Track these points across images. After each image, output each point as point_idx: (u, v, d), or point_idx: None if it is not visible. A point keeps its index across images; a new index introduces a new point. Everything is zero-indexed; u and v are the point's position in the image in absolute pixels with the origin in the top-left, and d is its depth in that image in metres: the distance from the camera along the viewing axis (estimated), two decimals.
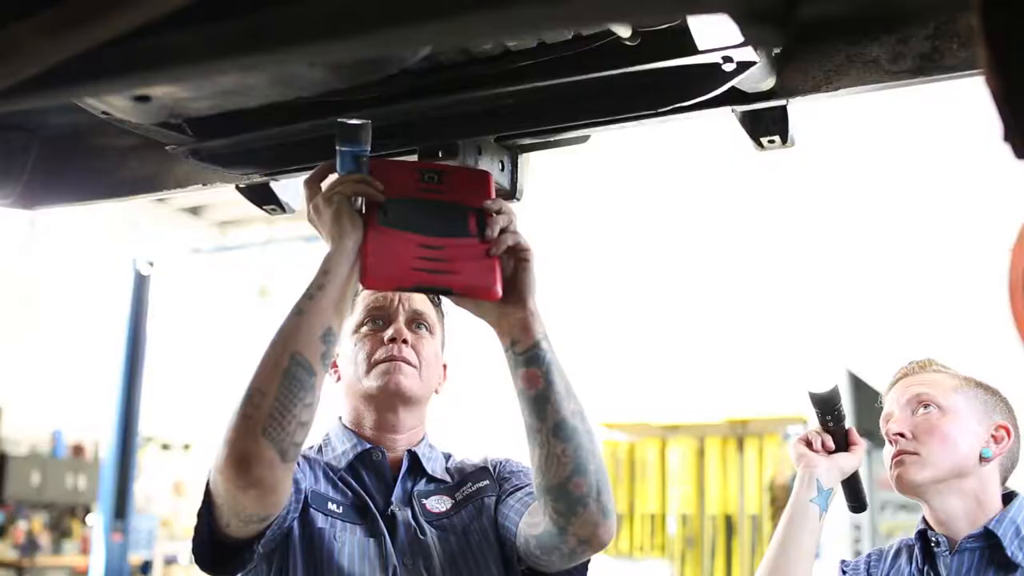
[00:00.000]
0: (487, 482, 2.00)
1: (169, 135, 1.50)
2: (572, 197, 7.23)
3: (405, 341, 1.91)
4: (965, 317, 5.43)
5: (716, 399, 6.42)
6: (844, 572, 2.12)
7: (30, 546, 10.57)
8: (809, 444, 2.05)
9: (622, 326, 6.68)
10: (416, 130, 1.49)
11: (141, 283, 9.40)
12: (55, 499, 11.02)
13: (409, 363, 1.91)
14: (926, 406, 2.01)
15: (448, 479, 2.01)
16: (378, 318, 1.93)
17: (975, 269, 5.35)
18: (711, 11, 0.93)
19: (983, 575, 1.91)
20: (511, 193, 1.63)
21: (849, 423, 2.10)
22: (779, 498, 5.85)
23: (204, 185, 1.71)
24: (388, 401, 1.95)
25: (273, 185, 1.69)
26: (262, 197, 1.71)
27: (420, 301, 1.96)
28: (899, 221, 5.78)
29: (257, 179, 1.65)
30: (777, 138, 1.49)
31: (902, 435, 2.00)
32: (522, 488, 1.91)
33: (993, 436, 1.99)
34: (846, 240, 5.98)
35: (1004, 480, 2.02)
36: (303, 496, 1.84)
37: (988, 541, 1.92)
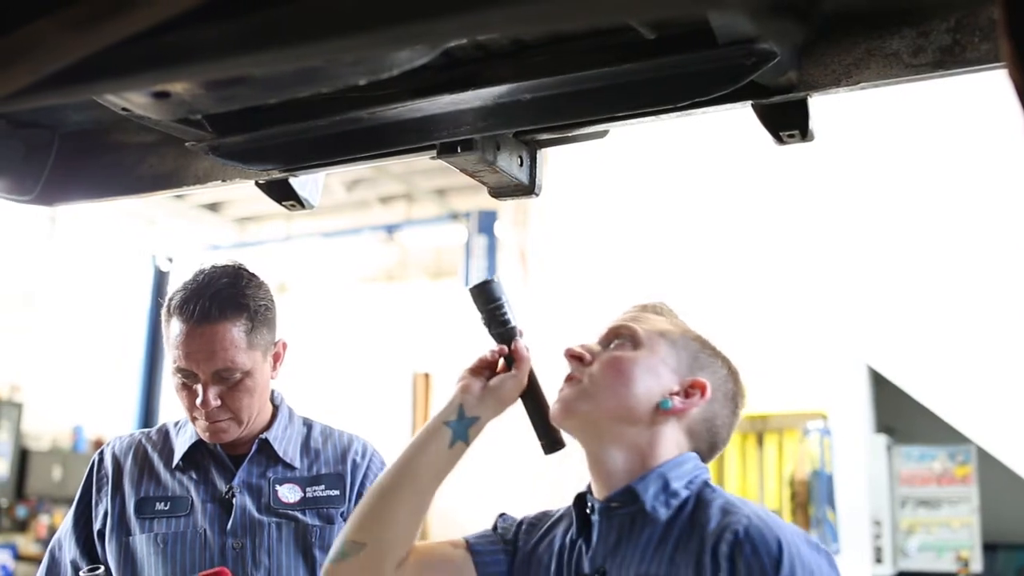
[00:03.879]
0: (338, 492, 2.13)
1: (188, 131, 1.51)
2: (588, 192, 7.22)
3: (216, 404, 2.03)
4: (986, 310, 5.40)
5: None
6: (495, 528, 1.81)
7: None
8: (479, 364, 1.77)
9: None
10: (435, 125, 1.48)
11: (161, 279, 9.45)
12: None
13: (223, 420, 2.01)
14: (621, 337, 1.71)
15: (300, 465, 2.14)
16: (186, 375, 2.03)
17: (996, 262, 5.32)
18: (733, 5, 0.93)
19: (634, 540, 1.60)
20: (530, 188, 1.63)
21: (519, 336, 1.78)
22: (799, 493, 5.83)
23: (223, 181, 1.72)
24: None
25: (292, 181, 1.69)
26: (281, 193, 1.72)
27: (222, 357, 2.01)
28: (919, 215, 5.75)
29: (276, 175, 1.65)
30: (797, 132, 1.48)
31: (579, 358, 1.69)
32: None
33: (686, 391, 1.66)
34: (867, 235, 5.95)
35: (700, 454, 1.70)
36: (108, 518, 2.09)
37: (633, 502, 1.62)
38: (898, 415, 6.19)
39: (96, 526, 2.14)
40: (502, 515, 1.82)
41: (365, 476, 2.14)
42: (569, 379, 1.68)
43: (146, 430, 2.26)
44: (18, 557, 10.16)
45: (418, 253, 12.09)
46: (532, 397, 1.75)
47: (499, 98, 1.44)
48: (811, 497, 5.73)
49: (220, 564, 1.99)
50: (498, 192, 1.64)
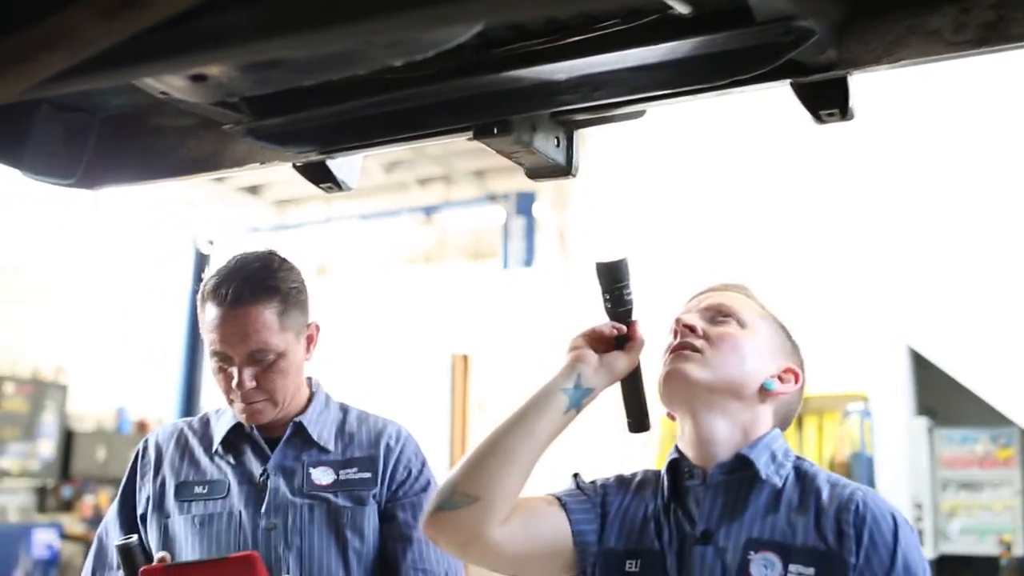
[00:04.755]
0: (370, 475, 2.16)
1: (226, 114, 1.51)
2: (627, 172, 7.20)
3: (251, 385, 2.07)
4: None
5: None
6: (579, 487, 1.84)
7: (97, 520, 10.79)
8: (594, 335, 1.78)
9: (679, 305, 6.64)
10: (470, 107, 1.48)
11: (202, 262, 9.51)
12: (120, 474, 11.22)
13: (258, 402, 2.04)
14: (726, 316, 1.80)
15: (335, 448, 2.17)
16: (222, 358, 2.05)
17: None
18: None
19: (741, 506, 1.69)
20: (567, 169, 1.62)
21: (637, 316, 1.81)
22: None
23: (261, 164, 1.72)
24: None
25: (329, 163, 1.69)
26: (319, 175, 1.72)
27: (255, 339, 2.06)
28: (962, 195, 5.69)
29: (314, 157, 1.66)
30: (836, 111, 1.46)
31: (692, 329, 1.77)
32: (409, 507, 2.14)
33: (781, 375, 1.78)
34: (909, 215, 5.89)
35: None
36: (148, 503, 2.18)
37: (742, 469, 1.71)
38: (940, 397, 6.13)
39: (139, 510, 2.20)
40: (576, 475, 1.87)
41: (398, 461, 2.17)
42: (683, 347, 1.76)
43: (189, 419, 2.33)
44: (64, 536, 10.32)
45: (457, 235, 12.10)
46: (633, 378, 1.80)
47: (535, 78, 1.43)
48: (851, 479, 5.70)
49: (253, 544, 2.03)
50: (535, 173, 1.63)
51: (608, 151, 7.16)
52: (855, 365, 5.83)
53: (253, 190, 12.12)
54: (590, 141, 7.03)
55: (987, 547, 5.82)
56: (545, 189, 9.16)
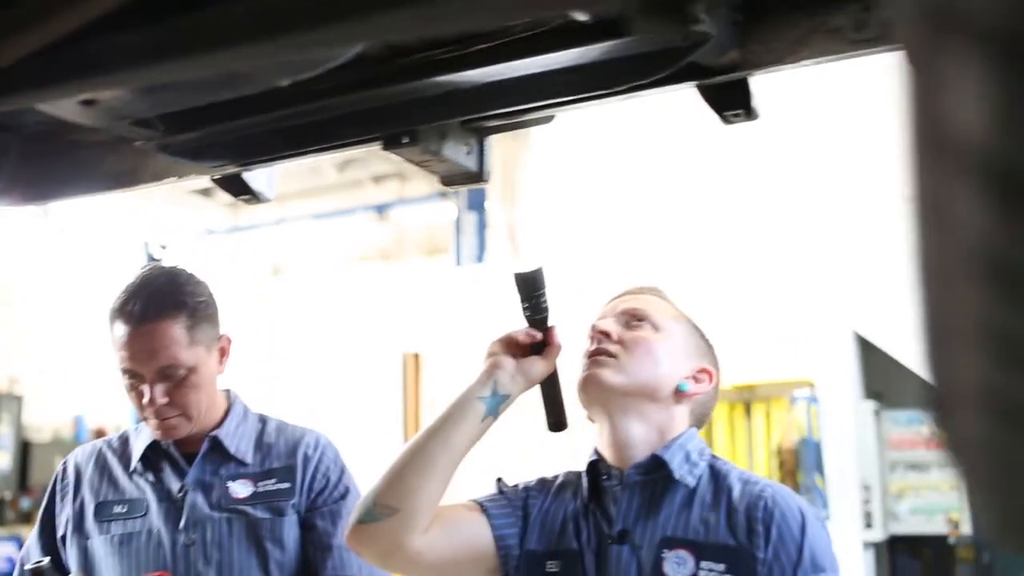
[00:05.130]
0: (288, 485, 2.16)
1: (137, 131, 1.51)
2: (574, 169, 7.22)
3: (163, 402, 2.08)
4: None
5: (723, 364, 6.32)
6: (502, 492, 1.87)
7: None
8: (510, 342, 1.83)
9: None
10: (380, 117, 1.49)
11: None
12: None
13: (172, 417, 2.04)
14: (640, 320, 1.84)
15: (253, 460, 2.18)
16: (132, 375, 2.04)
17: None
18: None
19: (657, 505, 1.73)
20: (478, 176, 1.64)
21: (554, 322, 1.85)
22: (787, 462, 5.85)
23: (179, 178, 1.73)
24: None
25: (246, 175, 1.70)
26: (236, 187, 1.73)
27: (164, 355, 2.05)
28: (901, 180, 5.74)
29: (229, 170, 1.66)
30: (741, 112, 1.48)
31: (607, 335, 1.81)
32: (328, 515, 2.15)
33: (695, 376, 1.82)
34: (850, 201, 5.95)
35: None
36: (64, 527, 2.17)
37: (657, 470, 1.75)
38: (886, 380, 6.20)
39: (59, 532, 2.19)
40: (499, 479, 1.90)
41: (316, 469, 2.17)
42: (598, 353, 1.80)
43: (108, 437, 2.33)
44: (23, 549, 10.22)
45: (411, 232, 12.09)
46: (551, 380, 1.85)
47: (442, 87, 1.45)
48: (799, 465, 5.75)
49: (172, 561, 2.03)
50: (449, 181, 1.65)
51: (557, 148, 7.17)
52: (801, 352, 5.89)
53: (205, 192, 12.04)
54: (538, 138, 7.03)
55: (936, 526, 5.91)
56: (494, 185, 9.15)
